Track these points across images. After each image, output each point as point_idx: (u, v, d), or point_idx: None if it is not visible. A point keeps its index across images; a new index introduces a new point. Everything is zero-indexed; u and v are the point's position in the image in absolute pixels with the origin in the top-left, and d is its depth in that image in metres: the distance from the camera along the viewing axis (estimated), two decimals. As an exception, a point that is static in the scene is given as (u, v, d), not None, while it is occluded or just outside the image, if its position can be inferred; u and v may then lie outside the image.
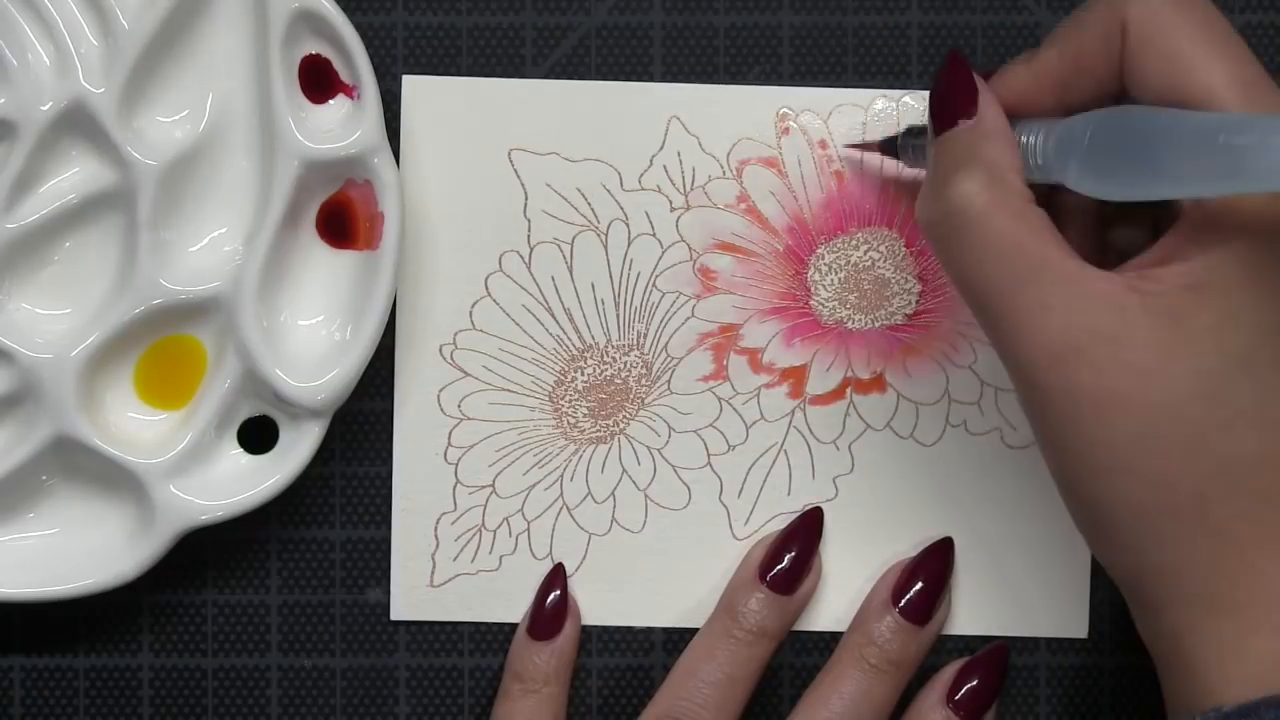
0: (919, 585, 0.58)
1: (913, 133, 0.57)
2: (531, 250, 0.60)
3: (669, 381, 0.60)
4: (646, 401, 0.60)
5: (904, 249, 0.59)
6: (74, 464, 0.58)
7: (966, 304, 0.51)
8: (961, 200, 0.50)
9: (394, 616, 0.60)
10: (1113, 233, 0.54)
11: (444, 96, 0.59)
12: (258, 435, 0.59)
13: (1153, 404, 0.48)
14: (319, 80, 0.58)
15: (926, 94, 0.59)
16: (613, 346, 0.60)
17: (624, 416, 0.60)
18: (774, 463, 0.60)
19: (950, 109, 0.51)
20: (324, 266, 0.58)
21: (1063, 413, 0.49)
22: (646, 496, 0.60)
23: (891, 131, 0.59)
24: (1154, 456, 0.48)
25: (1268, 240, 0.47)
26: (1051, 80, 0.51)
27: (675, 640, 0.60)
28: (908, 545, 0.59)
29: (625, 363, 0.60)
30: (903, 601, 0.58)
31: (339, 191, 0.58)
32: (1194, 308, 0.47)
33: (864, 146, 0.59)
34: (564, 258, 0.60)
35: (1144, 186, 0.47)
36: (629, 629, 0.60)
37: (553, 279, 0.60)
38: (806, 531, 0.59)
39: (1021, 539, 0.60)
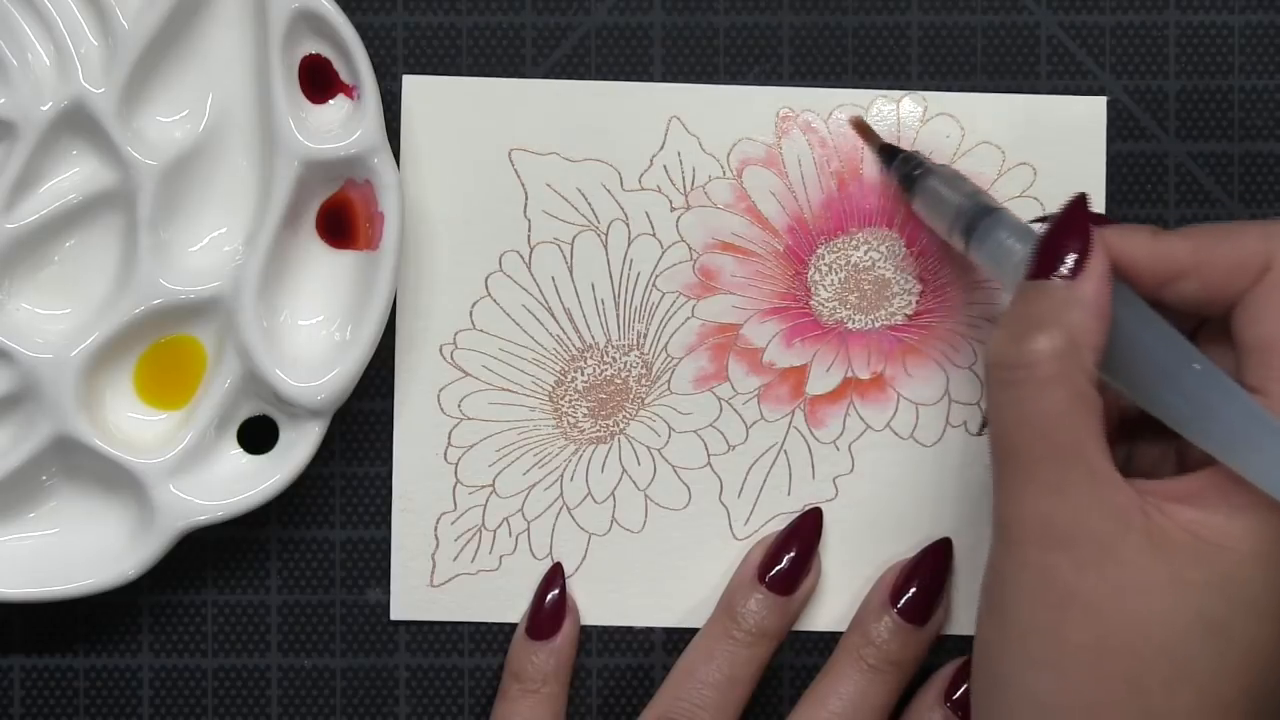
0: (917, 585, 0.58)
1: (909, 163, 0.57)
2: (531, 250, 0.60)
3: (669, 381, 0.60)
4: (646, 401, 0.60)
5: (904, 249, 0.59)
6: (74, 464, 0.58)
7: (991, 444, 0.50)
8: (1032, 358, 0.49)
9: (394, 616, 0.60)
10: (1150, 441, 0.54)
11: (444, 96, 0.59)
12: (258, 435, 0.59)
13: (1111, 629, 0.48)
14: (319, 80, 0.58)
15: (925, 96, 0.59)
16: (613, 346, 0.60)
17: (624, 416, 0.60)
18: (774, 463, 0.60)
19: (1053, 260, 0.50)
20: (324, 266, 0.58)
21: (1028, 592, 0.49)
22: (646, 496, 0.60)
23: (893, 140, 0.59)
24: (1091, 675, 0.48)
25: None
26: (1166, 269, 0.50)
27: (675, 640, 0.60)
28: (907, 545, 0.59)
29: (625, 363, 0.60)
30: (901, 602, 0.58)
31: (339, 191, 0.58)
32: (1190, 560, 0.48)
33: (865, 133, 0.59)
34: (564, 258, 0.60)
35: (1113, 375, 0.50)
36: (629, 629, 0.60)
37: (553, 279, 0.60)
38: (806, 532, 0.59)
39: (1021, 539, 0.60)
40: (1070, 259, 0.50)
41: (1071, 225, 0.50)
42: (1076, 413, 0.48)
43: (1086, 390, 0.49)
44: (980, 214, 0.54)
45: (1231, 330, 0.50)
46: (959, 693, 0.58)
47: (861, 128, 0.59)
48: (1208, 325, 0.52)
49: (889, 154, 0.58)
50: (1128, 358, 0.50)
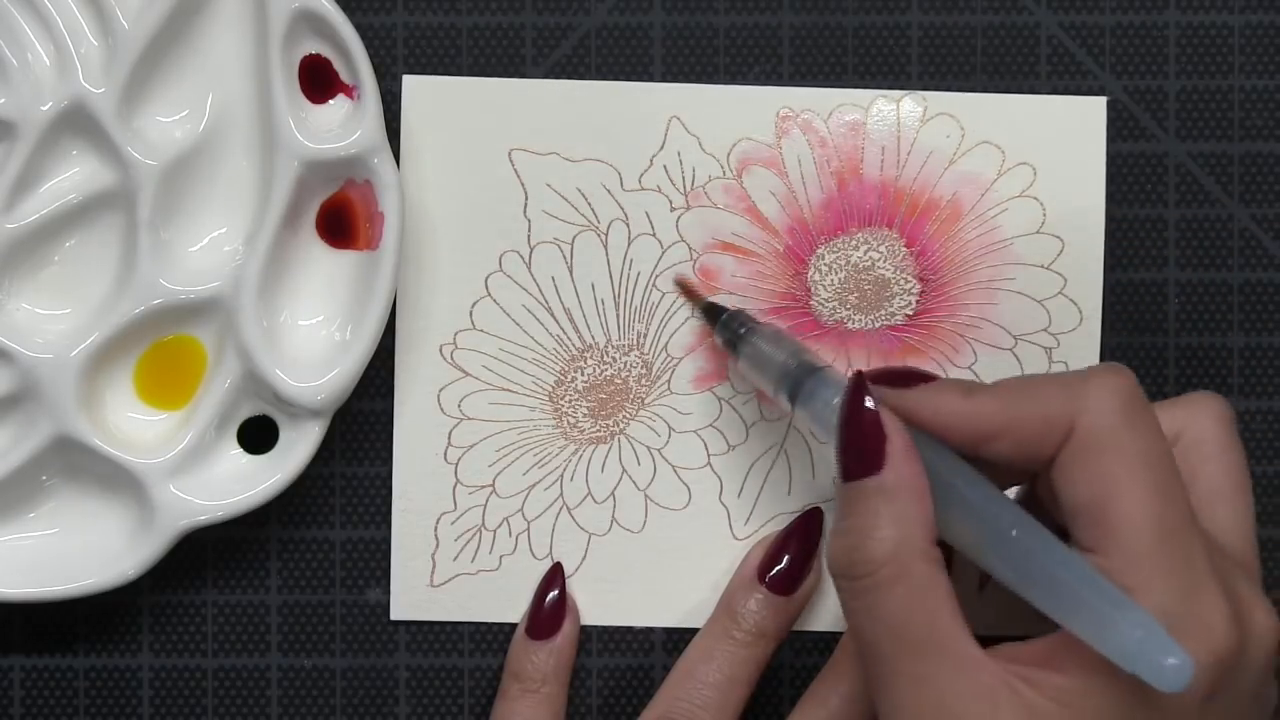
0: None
1: (733, 322, 0.57)
2: (531, 250, 0.60)
3: (669, 381, 0.60)
4: (646, 401, 0.60)
5: (904, 249, 0.59)
6: (74, 464, 0.58)
7: (855, 643, 0.50)
8: (866, 569, 0.48)
9: (394, 616, 0.60)
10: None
11: (444, 96, 0.59)
12: (258, 435, 0.59)
13: None
14: (319, 80, 0.58)
15: (925, 96, 0.59)
16: (613, 346, 0.60)
17: (624, 416, 0.60)
18: (774, 463, 0.60)
19: (853, 459, 0.49)
20: (324, 266, 0.59)
21: None
22: (646, 496, 0.60)
23: (893, 141, 0.59)
24: None
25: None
26: (978, 430, 0.50)
27: (675, 640, 0.60)
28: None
29: (625, 363, 0.60)
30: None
31: (339, 191, 0.58)
32: None
33: (689, 292, 0.59)
34: (564, 258, 0.60)
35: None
36: (629, 629, 0.60)
37: (553, 279, 0.60)
38: (806, 532, 0.59)
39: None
40: (869, 454, 0.49)
41: (858, 417, 0.50)
42: (923, 603, 0.48)
43: (928, 575, 0.48)
44: (804, 374, 0.54)
45: (1054, 489, 0.49)
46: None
47: (684, 286, 0.59)
48: (1045, 475, 0.51)
49: (713, 314, 0.58)
50: (952, 521, 0.49)
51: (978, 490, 0.49)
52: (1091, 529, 0.48)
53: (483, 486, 0.60)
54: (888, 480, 0.49)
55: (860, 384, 0.50)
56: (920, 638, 0.48)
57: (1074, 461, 0.49)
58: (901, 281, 0.60)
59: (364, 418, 0.60)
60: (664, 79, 0.60)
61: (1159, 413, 0.50)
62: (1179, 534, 0.48)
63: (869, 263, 0.60)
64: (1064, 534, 0.49)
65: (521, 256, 0.60)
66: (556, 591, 0.59)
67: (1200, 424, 0.51)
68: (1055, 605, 0.47)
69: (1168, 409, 0.51)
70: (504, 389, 0.60)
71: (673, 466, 0.60)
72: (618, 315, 0.60)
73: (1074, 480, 0.48)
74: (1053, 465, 0.49)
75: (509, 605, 0.60)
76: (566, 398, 0.60)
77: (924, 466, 0.49)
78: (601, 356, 0.60)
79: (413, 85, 0.59)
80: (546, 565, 0.60)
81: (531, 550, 0.60)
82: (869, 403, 0.50)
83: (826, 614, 0.60)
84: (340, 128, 0.57)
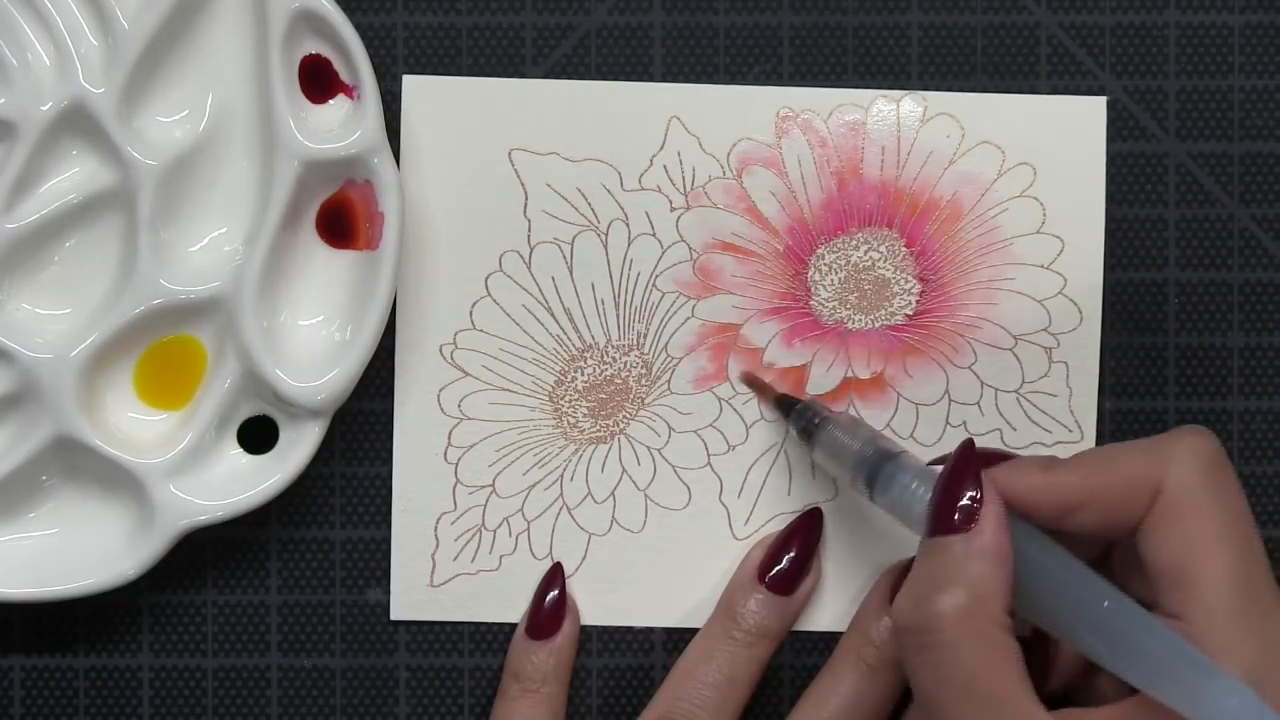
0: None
1: (807, 413, 0.57)
2: (531, 250, 0.60)
3: (669, 381, 0.60)
4: (646, 401, 0.60)
5: (904, 249, 0.59)
6: (74, 464, 0.58)
7: (916, 702, 0.50)
8: (936, 622, 0.49)
9: (394, 616, 0.60)
10: (1089, 678, 0.54)
11: (444, 96, 0.59)
12: (258, 435, 0.59)
13: None
14: (319, 80, 0.58)
15: (925, 96, 0.59)
16: (613, 346, 0.60)
17: (624, 416, 0.60)
18: (774, 463, 0.60)
19: (947, 515, 0.50)
20: (324, 266, 0.59)
21: None
22: (646, 496, 0.60)
23: (893, 141, 0.59)
24: None
25: None
26: (1061, 502, 0.50)
27: (675, 640, 0.60)
28: (907, 546, 0.59)
29: (625, 363, 0.60)
30: (901, 602, 0.58)
31: (339, 191, 0.58)
32: None
33: (759, 387, 0.59)
34: (564, 258, 0.60)
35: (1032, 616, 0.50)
36: (629, 629, 0.60)
37: (553, 279, 0.60)
38: (806, 532, 0.59)
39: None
40: (964, 513, 0.50)
41: (962, 477, 0.50)
42: (992, 665, 0.48)
43: (999, 639, 0.49)
44: (881, 460, 0.54)
45: (1139, 554, 0.50)
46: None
47: (753, 381, 0.59)
48: (1124, 544, 0.52)
49: (786, 405, 0.58)
50: (1039, 596, 0.50)
51: (1065, 564, 0.50)
52: (1175, 592, 0.49)
53: (483, 486, 0.60)
54: (975, 541, 0.49)
55: (971, 446, 0.51)
56: (988, 699, 0.48)
57: (1160, 525, 0.49)
58: (901, 281, 0.60)
59: (364, 418, 0.60)
60: (664, 79, 0.60)
61: (1137, 457, 0.50)
62: (1261, 595, 0.49)
63: (869, 263, 0.60)
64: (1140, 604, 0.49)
65: (521, 256, 0.60)
66: (556, 591, 0.59)
67: (1178, 474, 0.50)
68: (1145, 675, 0.48)
69: (1141, 455, 0.51)
70: (504, 389, 0.60)
71: (673, 466, 0.60)
72: (618, 315, 0.60)
73: (1161, 545, 0.49)
74: (1137, 532, 0.50)
75: (509, 605, 0.60)
76: (566, 398, 0.60)
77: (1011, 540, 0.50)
78: (601, 356, 0.60)
79: (413, 85, 0.59)
80: (546, 565, 0.60)
81: (531, 550, 0.60)
82: (976, 467, 0.50)
83: (826, 614, 0.60)
84: (340, 128, 0.57)
